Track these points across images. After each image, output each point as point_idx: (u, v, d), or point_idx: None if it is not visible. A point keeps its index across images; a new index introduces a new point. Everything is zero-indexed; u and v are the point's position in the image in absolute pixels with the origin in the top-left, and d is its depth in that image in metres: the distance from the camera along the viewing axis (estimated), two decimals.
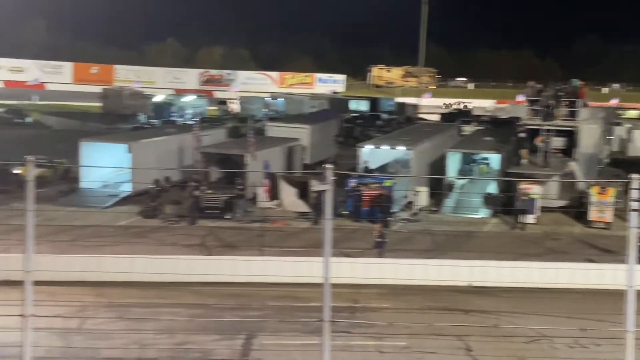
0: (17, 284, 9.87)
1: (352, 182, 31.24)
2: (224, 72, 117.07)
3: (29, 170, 8.19)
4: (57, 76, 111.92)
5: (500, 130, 46.29)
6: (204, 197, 31.10)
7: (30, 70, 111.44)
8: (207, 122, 55.70)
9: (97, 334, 16.87)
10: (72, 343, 15.68)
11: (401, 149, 36.01)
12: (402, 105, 79.55)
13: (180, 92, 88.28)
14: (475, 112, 77.08)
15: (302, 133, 42.23)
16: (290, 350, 16.86)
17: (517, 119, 42.38)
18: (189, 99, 76.53)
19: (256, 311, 20.03)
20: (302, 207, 32.00)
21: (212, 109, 76.95)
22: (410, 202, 33.52)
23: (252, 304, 20.52)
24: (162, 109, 70.35)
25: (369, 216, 30.35)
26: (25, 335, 8.26)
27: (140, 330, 17.34)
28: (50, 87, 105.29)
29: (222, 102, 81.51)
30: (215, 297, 20.86)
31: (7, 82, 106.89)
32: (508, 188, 32.77)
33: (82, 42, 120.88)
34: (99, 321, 18.15)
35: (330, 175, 11.36)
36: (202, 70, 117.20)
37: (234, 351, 16.88)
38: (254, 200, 32.90)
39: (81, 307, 18.94)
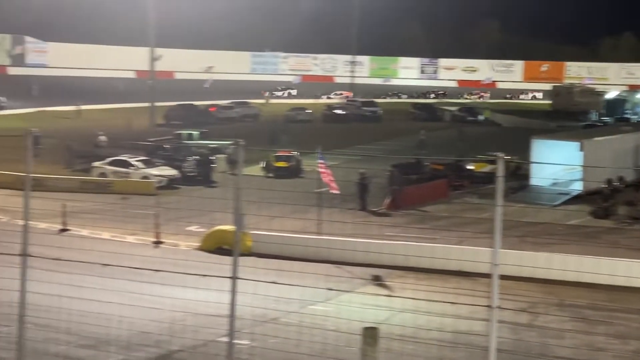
0: (484, 276, 10.31)
1: None
2: None
3: (499, 167, 8.51)
4: (508, 75, 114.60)
5: None
6: None
7: (483, 70, 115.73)
8: None
9: (550, 332, 16.84)
10: (523, 337, 15.89)
11: None
12: None
13: (635, 89, 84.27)
14: None
15: None
16: None
17: None
18: None
19: None
20: None
21: None
22: None
23: None
24: (615, 106, 68.24)
25: None
26: (491, 326, 8.58)
27: (592, 332, 16.92)
28: (500, 85, 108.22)
29: None
30: None
31: (460, 82, 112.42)
32: None
33: (534, 41, 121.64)
34: (550, 319, 18.10)
35: None
36: None
37: None
38: None
39: (533, 304, 19.10)
